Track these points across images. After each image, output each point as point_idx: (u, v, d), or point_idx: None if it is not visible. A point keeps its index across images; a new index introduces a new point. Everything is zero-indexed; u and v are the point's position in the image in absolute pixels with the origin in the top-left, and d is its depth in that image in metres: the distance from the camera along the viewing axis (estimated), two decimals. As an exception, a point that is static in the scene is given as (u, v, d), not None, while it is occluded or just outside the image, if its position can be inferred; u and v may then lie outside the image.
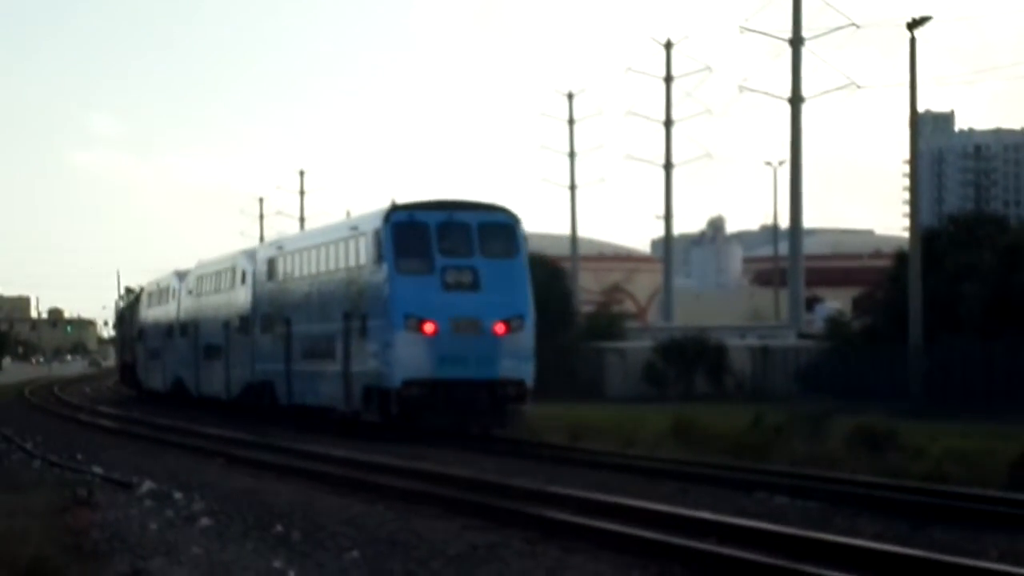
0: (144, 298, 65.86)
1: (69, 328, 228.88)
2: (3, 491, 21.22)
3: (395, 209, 35.00)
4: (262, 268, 45.21)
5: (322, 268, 39.63)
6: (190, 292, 54.96)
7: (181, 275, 57.94)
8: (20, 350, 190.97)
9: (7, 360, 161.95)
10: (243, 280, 47.01)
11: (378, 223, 35.00)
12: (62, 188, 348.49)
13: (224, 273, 50.00)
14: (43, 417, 50.41)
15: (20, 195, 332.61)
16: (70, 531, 17.32)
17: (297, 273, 41.90)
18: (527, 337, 34.48)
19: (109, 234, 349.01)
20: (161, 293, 60.97)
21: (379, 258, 34.82)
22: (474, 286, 34.20)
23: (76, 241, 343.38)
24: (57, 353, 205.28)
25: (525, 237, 35.80)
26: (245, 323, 46.15)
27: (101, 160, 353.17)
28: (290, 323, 41.44)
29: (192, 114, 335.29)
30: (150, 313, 62.72)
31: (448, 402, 33.64)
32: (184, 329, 54.90)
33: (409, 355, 33.66)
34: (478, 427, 34.18)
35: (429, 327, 33.68)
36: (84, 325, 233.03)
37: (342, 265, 37.87)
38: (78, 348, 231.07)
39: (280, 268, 43.47)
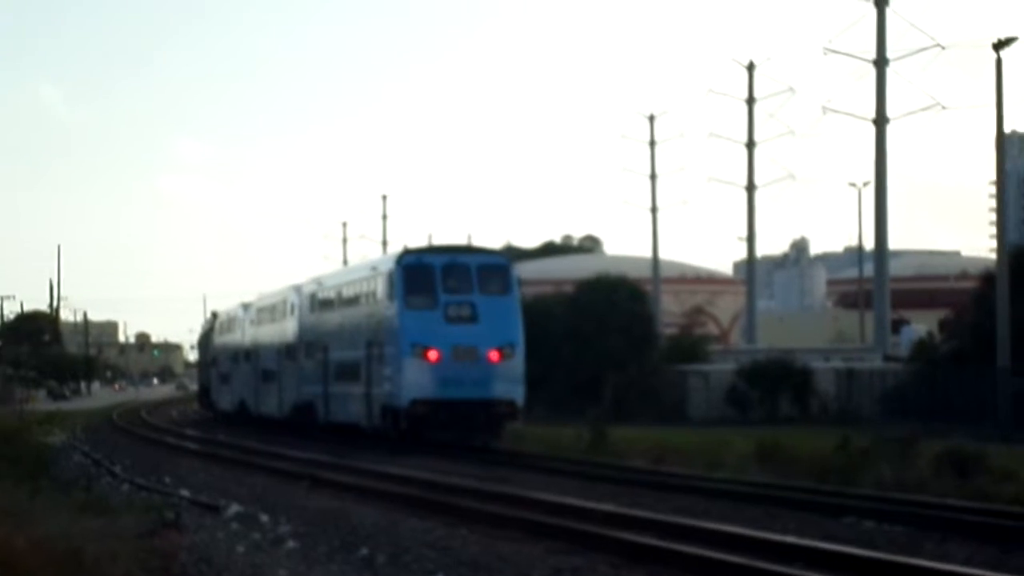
0: (216, 327, 71.63)
1: (156, 352, 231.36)
2: (93, 515, 21.45)
3: (406, 253, 41.37)
4: (306, 301, 50.90)
5: (350, 303, 45.26)
6: (252, 322, 60.90)
7: (246, 307, 63.83)
8: (108, 374, 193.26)
9: (96, 385, 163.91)
10: (292, 312, 52.68)
11: (391, 265, 40.76)
12: (150, 213, 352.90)
13: (278, 306, 55.90)
14: (131, 440, 51.00)
15: (109, 220, 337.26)
16: (159, 554, 17.47)
17: (332, 306, 47.47)
18: (518, 363, 39.50)
19: (196, 259, 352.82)
20: (230, 322, 67.11)
21: (391, 295, 40.30)
22: (472, 319, 39.37)
23: (164, 266, 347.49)
24: (144, 377, 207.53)
25: (518, 278, 41.38)
26: (292, 350, 51.74)
27: (188, 185, 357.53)
28: (327, 350, 46.70)
29: (277, 139, 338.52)
30: (221, 340, 68.81)
31: (450, 418, 38.69)
32: (247, 355, 60.71)
33: (416, 378, 38.94)
34: (476, 440, 38.49)
35: (433, 354, 38.99)
36: (171, 349, 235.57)
37: (365, 300, 43.30)
38: (165, 372, 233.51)
39: (319, 302, 49.09)
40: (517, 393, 39.39)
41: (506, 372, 39.22)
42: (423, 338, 39.18)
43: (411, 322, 39.55)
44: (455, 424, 38.91)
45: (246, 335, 61.77)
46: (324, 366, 46.82)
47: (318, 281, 51.11)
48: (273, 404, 54.74)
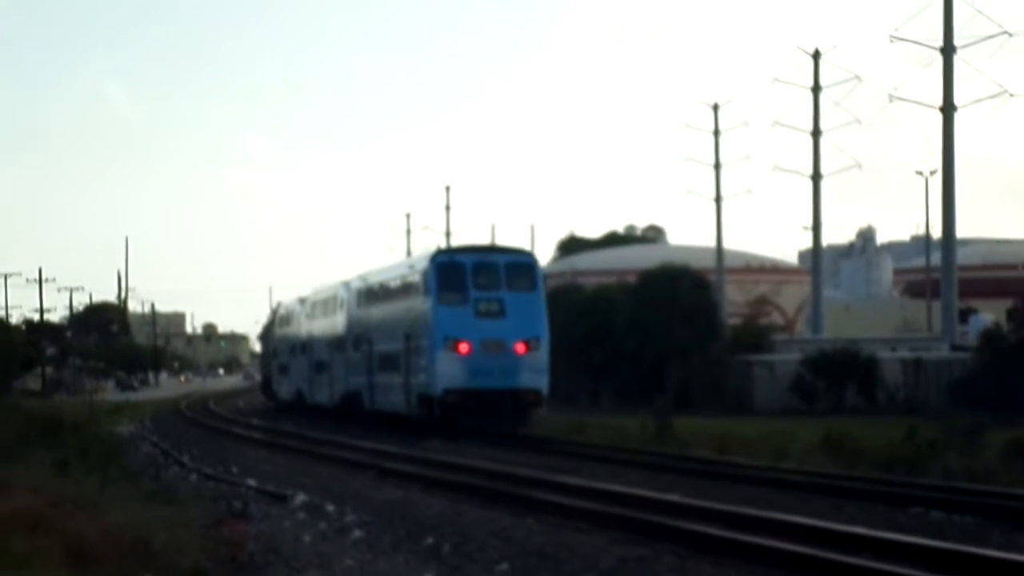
0: (276, 320, 74.53)
1: (223, 343, 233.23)
2: (161, 504, 21.66)
3: (439, 252, 44.95)
4: (353, 297, 53.60)
5: (391, 298, 47.84)
6: (307, 316, 63.36)
7: (302, 301, 65.91)
8: (176, 365, 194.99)
9: (163, 375, 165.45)
10: (341, 306, 55.23)
11: (426, 263, 43.59)
12: (216, 206, 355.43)
13: (329, 300, 58.33)
14: (198, 430, 51.45)
15: (176, 213, 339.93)
16: (226, 543, 17.61)
17: (375, 301, 50.14)
18: (543, 355, 41.98)
19: (262, 251, 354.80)
20: (288, 316, 69.66)
21: (426, 291, 42.94)
22: (501, 314, 41.90)
23: (230, 258, 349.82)
24: (211, 368, 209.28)
25: (543, 274, 44.14)
26: (342, 343, 54.23)
27: (253, 178, 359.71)
28: (372, 343, 49.32)
29: (341, 131, 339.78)
30: (280, 333, 71.58)
31: (479, 406, 41.24)
32: (303, 348, 63.05)
33: (448, 369, 41.50)
34: (505, 427, 40.73)
35: (464, 347, 41.56)
36: (237, 340, 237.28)
37: (403, 296, 46.02)
38: (232, 363, 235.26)
39: (364, 297, 51.91)
40: (542, 383, 41.84)
41: (532, 363, 41.67)
42: (455, 332, 41.69)
43: (444, 317, 42.07)
44: (485, 411, 41.38)
45: (302, 328, 64.03)
46: (369, 358, 49.45)
47: (364, 277, 53.38)
48: (325, 394, 57.20)
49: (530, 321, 42.01)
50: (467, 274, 42.43)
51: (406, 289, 45.92)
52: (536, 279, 43.06)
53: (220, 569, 15.33)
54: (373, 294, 50.88)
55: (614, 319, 60.75)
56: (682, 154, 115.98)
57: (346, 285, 55.58)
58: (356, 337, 51.99)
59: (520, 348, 41.71)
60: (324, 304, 59.66)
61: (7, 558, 13.60)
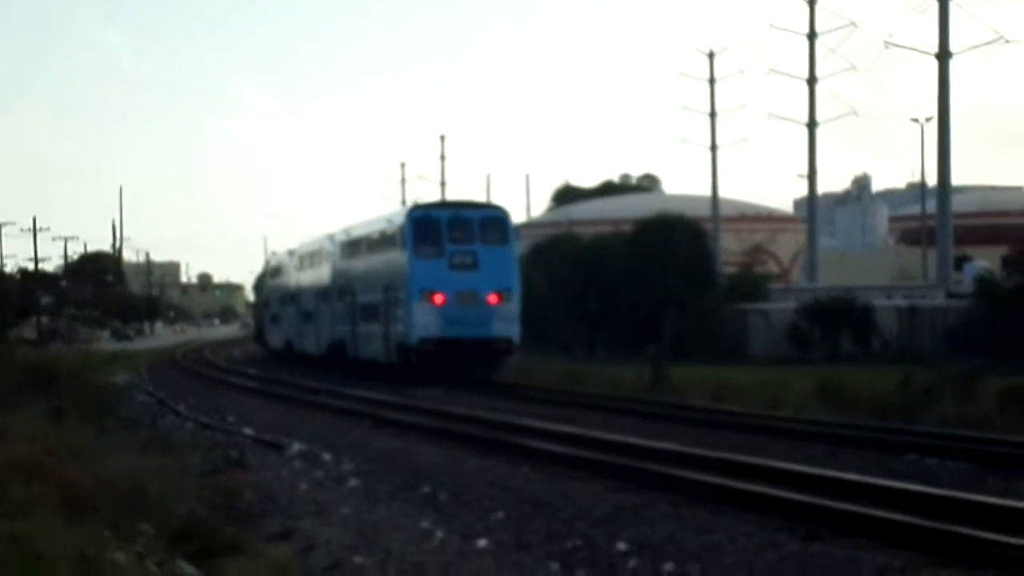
0: (268, 271, 76.76)
1: (218, 293, 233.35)
2: (158, 453, 21.69)
3: (416, 208, 46.35)
4: (337, 249, 55.40)
5: (372, 251, 49.61)
6: (296, 267, 65.34)
7: (292, 252, 67.85)
8: (171, 314, 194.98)
9: (159, 325, 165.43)
10: (327, 259, 57.13)
11: (403, 218, 45.43)
12: (211, 156, 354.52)
13: (316, 253, 60.25)
14: (194, 380, 51.52)
15: (170, 162, 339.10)
16: (223, 492, 17.65)
17: (358, 254, 51.95)
18: (514, 305, 43.81)
19: (257, 200, 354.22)
20: (279, 267, 71.57)
21: (403, 245, 44.61)
22: (474, 266, 43.61)
23: (225, 207, 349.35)
24: (206, 317, 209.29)
25: (515, 229, 45.92)
26: (327, 294, 56.26)
27: (248, 128, 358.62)
28: (354, 294, 51.15)
29: (337, 81, 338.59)
30: (271, 283, 73.54)
31: (454, 354, 43.06)
32: (292, 298, 64.96)
33: (423, 319, 43.41)
34: (478, 374, 42.25)
35: (439, 298, 43.42)
36: (232, 290, 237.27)
37: (383, 249, 47.70)
38: (227, 312, 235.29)
39: (347, 250, 53.80)
40: (513, 332, 43.80)
41: (504, 313, 43.59)
42: (430, 283, 43.55)
43: (420, 269, 43.86)
44: (459, 359, 43.19)
45: (291, 279, 66.05)
46: (352, 308, 51.42)
47: (347, 231, 55.19)
48: (312, 343, 59.31)
49: (502, 273, 43.86)
50: (442, 228, 44.12)
51: (385, 242, 47.64)
52: (508, 233, 44.80)
53: (216, 517, 15.36)
54: (355, 247, 52.71)
55: (610, 268, 60.74)
56: (677, 102, 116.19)
57: (331, 238, 57.43)
58: (340, 288, 53.80)
59: (492, 299, 43.57)
60: (311, 256, 61.55)
61: (5, 505, 13.61)
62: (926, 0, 64.30)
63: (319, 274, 58.45)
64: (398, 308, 44.97)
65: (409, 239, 44.26)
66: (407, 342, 44.05)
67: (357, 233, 53.09)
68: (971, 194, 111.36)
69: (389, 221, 48.22)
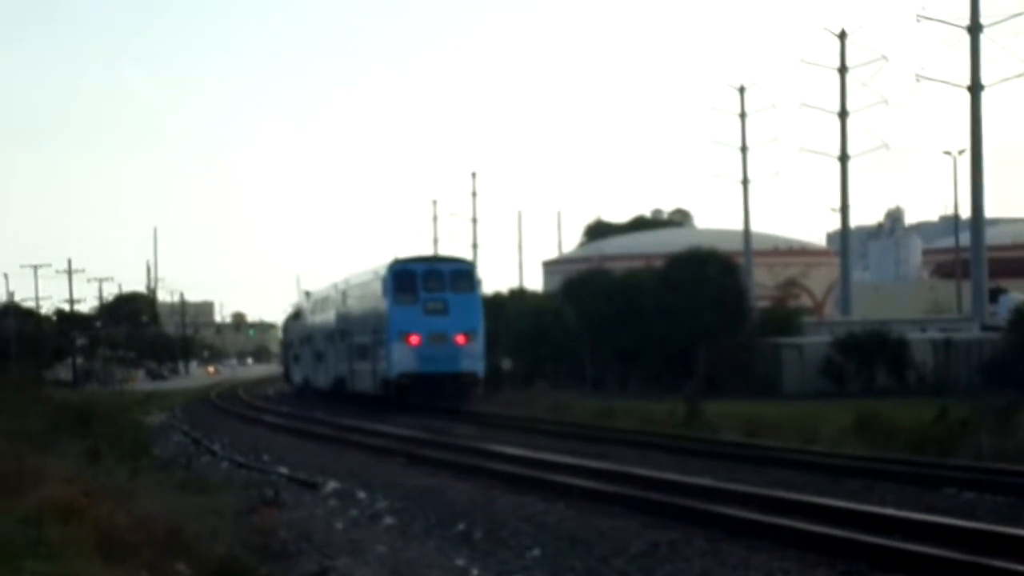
0: (292, 314, 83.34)
1: (251, 332, 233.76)
2: (193, 492, 21.74)
3: (396, 262, 52.03)
4: (339, 296, 62.09)
5: (363, 299, 56.25)
6: (311, 312, 71.86)
7: (308, 298, 74.61)
8: (206, 354, 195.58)
9: (193, 364, 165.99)
10: (332, 305, 63.69)
11: (385, 271, 51.80)
12: (244, 195, 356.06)
13: (325, 299, 66.84)
14: (229, 419, 51.63)
15: (204, 203, 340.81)
16: (258, 531, 17.67)
17: (353, 302, 58.58)
18: (479, 344, 50.51)
19: (290, 238, 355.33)
20: (298, 312, 78.59)
21: (385, 293, 51.37)
22: (445, 312, 50.28)
23: (258, 246, 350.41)
24: (240, 356, 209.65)
25: (480, 279, 52.94)
26: (332, 336, 62.50)
27: (280, 166, 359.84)
28: (352, 335, 57.42)
29: (367, 118, 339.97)
30: (293, 325, 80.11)
31: (428, 387, 49.64)
32: (308, 339, 70.92)
33: (402, 357, 50.10)
34: (449, 403, 48.07)
35: (415, 339, 50.11)
36: (266, 328, 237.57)
37: (371, 298, 54.23)
38: (261, 351, 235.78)
39: (346, 298, 60.18)
40: (478, 367, 50.48)
41: (470, 352, 50.13)
42: (407, 326, 50.17)
43: (398, 315, 50.52)
44: (432, 391, 49.53)
45: (308, 322, 72.29)
46: (350, 348, 57.68)
47: (347, 280, 61.73)
48: (323, 379, 65.21)
49: (469, 317, 50.37)
50: (418, 279, 51.01)
51: (372, 291, 54.26)
52: (474, 283, 51.95)
53: (253, 557, 15.37)
54: (352, 294, 59.16)
55: (642, 303, 60.64)
56: (709, 137, 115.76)
57: (335, 286, 64.22)
58: (342, 331, 59.92)
59: (460, 339, 50.04)
60: (322, 302, 67.96)
61: (42, 548, 13.66)
62: (957, 33, 64.26)
63: (327, 318, 64.53)
64: (381, 348, 51.53)
65: (390, 288, 51.03)
66: (388, 376, 50.59)
67: (354, 282, 59.56)
68: (1005, 227, 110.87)
69: (375, 273, 54.42)
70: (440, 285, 50.85)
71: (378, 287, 52.77)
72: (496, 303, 79.47)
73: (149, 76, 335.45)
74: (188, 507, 18.67)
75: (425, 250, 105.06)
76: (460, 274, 51.74)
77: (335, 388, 60.72)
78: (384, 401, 50.88)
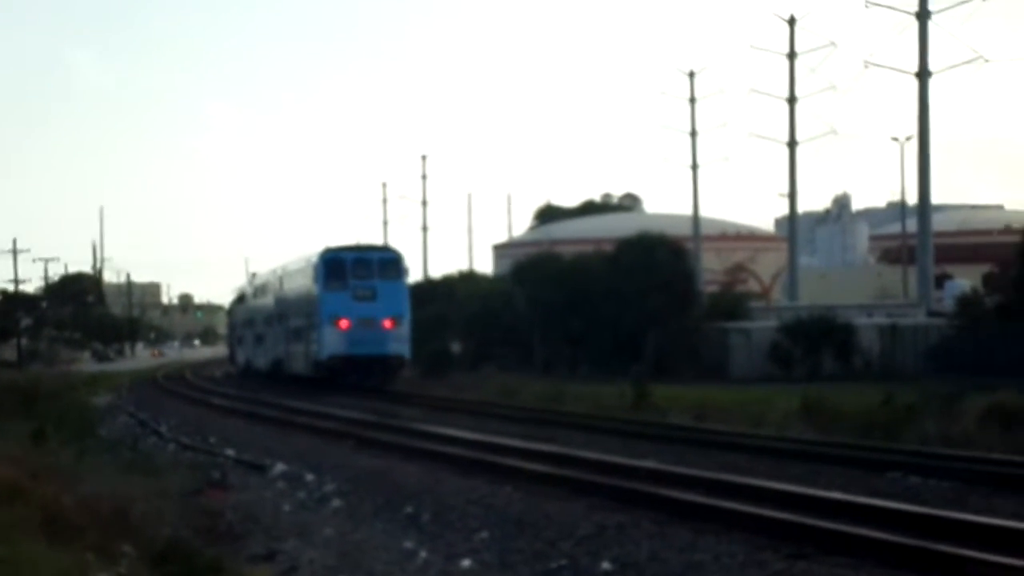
0: (235, 298, 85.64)
1: (199, 314, 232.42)
2: (140, 474, 21.62)
3: (327, 251, 54.51)
4: (277, 281, 64.60)
5: (298, 285, 58.48)
6: (252, 296, 74.31)
7: (251, 283, 76.97)
8: (152, 336, 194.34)
9: (139, 346, 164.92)
10: (271, 290, 66.15)
11: (317, 259, 54.57)
12: (191, 176, 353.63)
13: (266, 284, 69.18)
14: (176, 401, 51.39)
15: (150, 183, 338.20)
16: (205, 513, 17.60)
17: (289, 288, 61.03)
18: (405, 329, 53.25)
19: (238, 221, 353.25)
20: (242, 296, 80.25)
21: (316, 280, 54.23)
22: (372, 298, 52.98)
23: (206, 228, 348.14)
24: (187, 338, 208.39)
25: (407, 267, 55.60)
26: (271, 320, 65.20)
27: (228, 147, 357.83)
28: (288, 320, 60.25)
29: (317, 101, 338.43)
30: (237, 309, 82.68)
31: (355, 368, 52.57)
32: (250, 323, 73.47)
33: (332, 340, 52.83)
34: (375, 383, 51.31)
35: (344, 323, 52.80)
36: (214, 311, 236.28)
37: (304, 284, 56.83)
38: (208, 333, 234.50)
39: (283, 283, 62.81)
40: (404, 350, 53.38)
41: (397, 335, 52.85)
42: (337, 311, 52.81)
43: (329, 300, 53.16)
44: (360, 372, 52.46)
45: (250, 306, 74.46)
46: (286, 332, 60.46)
47: (284, 267, 64.13)
48: (262, 361, 67.70)
49: (395, 303, 53.16)
50: (347, 267, 53.47)
51: (305, 278, 56.78)
52: (401, 271, 54.60)
53: (199, 538, 15.31)
54: (288, 280, 61.58)
55: (591, 287, 60.74)
56: (658, 122, 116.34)
57: (273, 272, 66.79)
58: (280, 315, 62.44)
59: (388, 324, 52.75)
60: (263, 287, 70.20)
61: (-14, 529, 13.55)
62: (906, 19, 64.65)
63: (267, 302, 66.79)
64: (313, 331, 54.28)
65: (321, 275, 53.78)
66: (320, 358, 53.38)
67: (290, 268, 61.98)
68: (951, 213, 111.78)
69: (308, 260, 57.00)
70: (368, 273, 53.38)
71: (310, 274, 55.33)
72: (446, 286, 79.54)
73: (98, 56, 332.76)
74: (134, 489, 18.56)
75: (375, 232, 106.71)
76: (388, 262, 54.22)
77: (273, 369, 63.21)
78: (316, 382, 53.63)
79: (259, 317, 69.47)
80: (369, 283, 53.23)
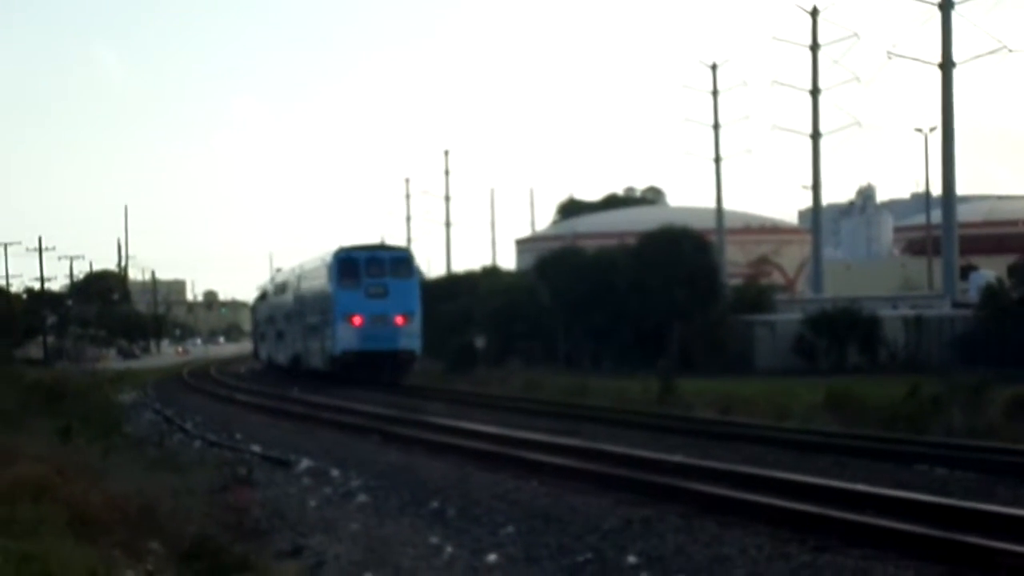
0: (258, 296, 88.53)
1: (224, 310, 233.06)
2: (166, 471, 21.69)
3: (340, 250, 57.10)
4: (295, 280, 67.23)
5: (314, 283, 61.02)
6: (273, 294, 76.44)
7: (272, 280, 79.36)
8: (177, 332, 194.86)
9: (165, 343, 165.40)
10: (291, 288, 68.31)
11: (331, 258, 57.17)
12: (216, 173, 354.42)
13: (285, 283, 71.55)
14: (201, 398, 51.52)
15: (175, 181, 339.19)
16: (231, 509, 17.64)
17: (306, 286, 63.48)
18: (416, 325, 55.76)
19: (263, 217, 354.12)
20: (264, 294, 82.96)
21: (330, 279, 56.84)
22: (385, 295, 55.57)
23: (231, 225, 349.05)
24: (212, 335, 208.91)
25: (418, 265, 59.40)
26: (290, 317, 67.55)
27: (252, 144, 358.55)
28: (305, 317, 62.63)
29: (340, 96, 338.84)
30: (260, 306, 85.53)
31: (369, 363, 54.76)
32: (271, 320, 76.05)
33: (345, 336, 55.33)
34: (388, 378, 53.25)
35: (357, 320, 55.32)
36: (239, 307, 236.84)
37: (320, 282, 59.28)
38: (233, 330, 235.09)
39: (301, 282, 65.32)
40: (415, 345, 55.90)
41: (408, 331, 55.39)
42: (351, 308, 55.34)
43: (343, 298, 55.70)
44: (373, 367, 54.45)
45: (271, 303, 76.77)
46: (304, 328, 62.76)
47: (301, 266, 66.95)
48: (282, 357, 69.94)
49: (407, 300, 55.57)
50: (360, 266, 55.94)
51: (320, 276, 59.08)
52: (412, 269, 57.62)
53: (226, 535, 15.34)
54: (305, 279, 63.69)
55: (615, 281, 60.68)
56: (681, 115, 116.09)
57: (292, 270, 69.43)
58: (298, 312, 64.77)
59: (399, 320, 55.26)
60: (283, 285, 72.35)
61: (14, 526, 13.61)
62: (929, 10, 64.37)
63: (287, 299, 68.96)
64: (328, 328, 56.67)
65: (335, 274, 56.22)
66: (334, 354, 55.87)
67: (307, 267, 64.48)
68: (976, 204, 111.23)
69: (323, 260, 59.34)
70: (380, 271, 55.89)
71: (325, 272, 57.76)
72: (469, 281, 79.52)
73: (122, 54, 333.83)
74: (161, 485, 18.63)
75: (399, 227, 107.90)
76: (399, 261, 57.02)
77: (292, 365, 65.60)
78: (335, 377, 55.38)
79: (279, 314, 71.67)
80: (381, 281, 55.61)
